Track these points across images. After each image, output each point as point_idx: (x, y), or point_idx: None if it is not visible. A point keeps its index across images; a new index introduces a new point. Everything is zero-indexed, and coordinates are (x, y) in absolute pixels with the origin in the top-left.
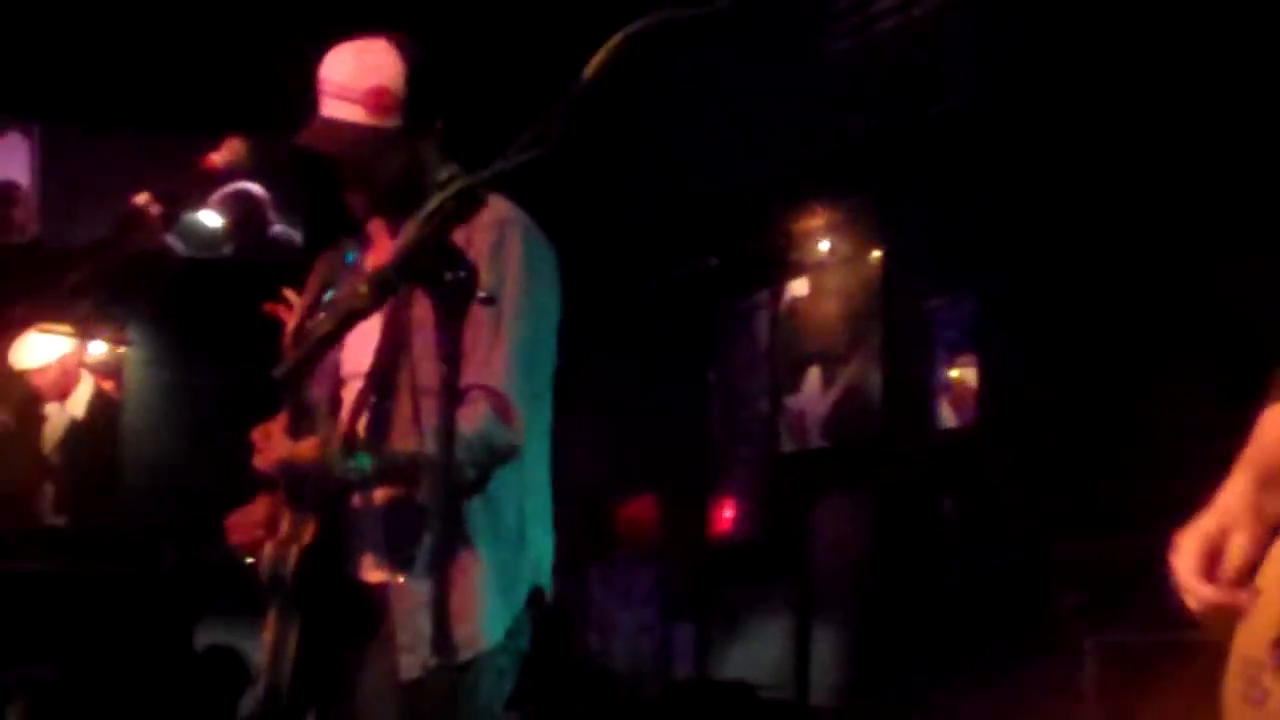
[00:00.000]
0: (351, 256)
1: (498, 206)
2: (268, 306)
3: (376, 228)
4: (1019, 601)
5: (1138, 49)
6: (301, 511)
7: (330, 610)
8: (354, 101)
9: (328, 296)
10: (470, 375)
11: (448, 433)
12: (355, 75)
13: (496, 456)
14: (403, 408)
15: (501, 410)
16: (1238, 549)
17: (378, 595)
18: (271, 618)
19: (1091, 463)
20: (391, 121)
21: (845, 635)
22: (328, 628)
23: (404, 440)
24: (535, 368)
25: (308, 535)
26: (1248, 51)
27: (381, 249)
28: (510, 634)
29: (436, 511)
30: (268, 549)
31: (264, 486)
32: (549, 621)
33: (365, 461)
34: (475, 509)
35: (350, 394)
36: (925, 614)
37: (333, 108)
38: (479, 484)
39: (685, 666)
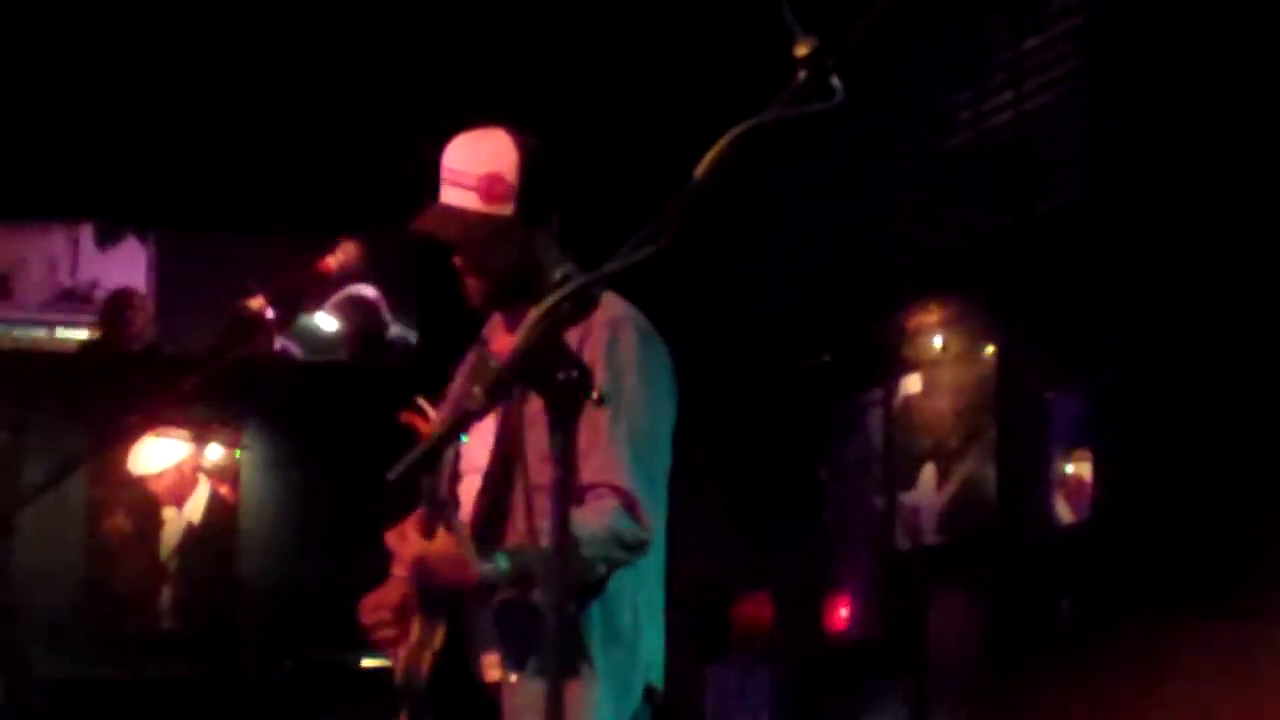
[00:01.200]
0: (495, 366)
1: (612, 305)
2: (404, 416)
3: (494, 326)
4: (1133, 698)
5: (1250, 140)
6: (433, 616)
7: (459, 713)
8: (468, 188)
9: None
10: (590, 474)
11: (563, 533)
12: (469, 162)
13: (628, 552)
14: (517, 505)
15: (629, 506)
16: None
17: (496, 695)
18: None
19: (1209, 559)
20: (505, 209)
21: None
22: None
23: (517, 538)
24: (653, 465)
25: (439, 640)
26: None
27: (500, 346)
28: None
29: (554, 610)
30: (401, 655)
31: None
32: None
33: (503, 562)
34: (592, 609)
35: (467, 491)
36: (1040, 712)
37: (448, 194)
38: (604, 581)
39: None
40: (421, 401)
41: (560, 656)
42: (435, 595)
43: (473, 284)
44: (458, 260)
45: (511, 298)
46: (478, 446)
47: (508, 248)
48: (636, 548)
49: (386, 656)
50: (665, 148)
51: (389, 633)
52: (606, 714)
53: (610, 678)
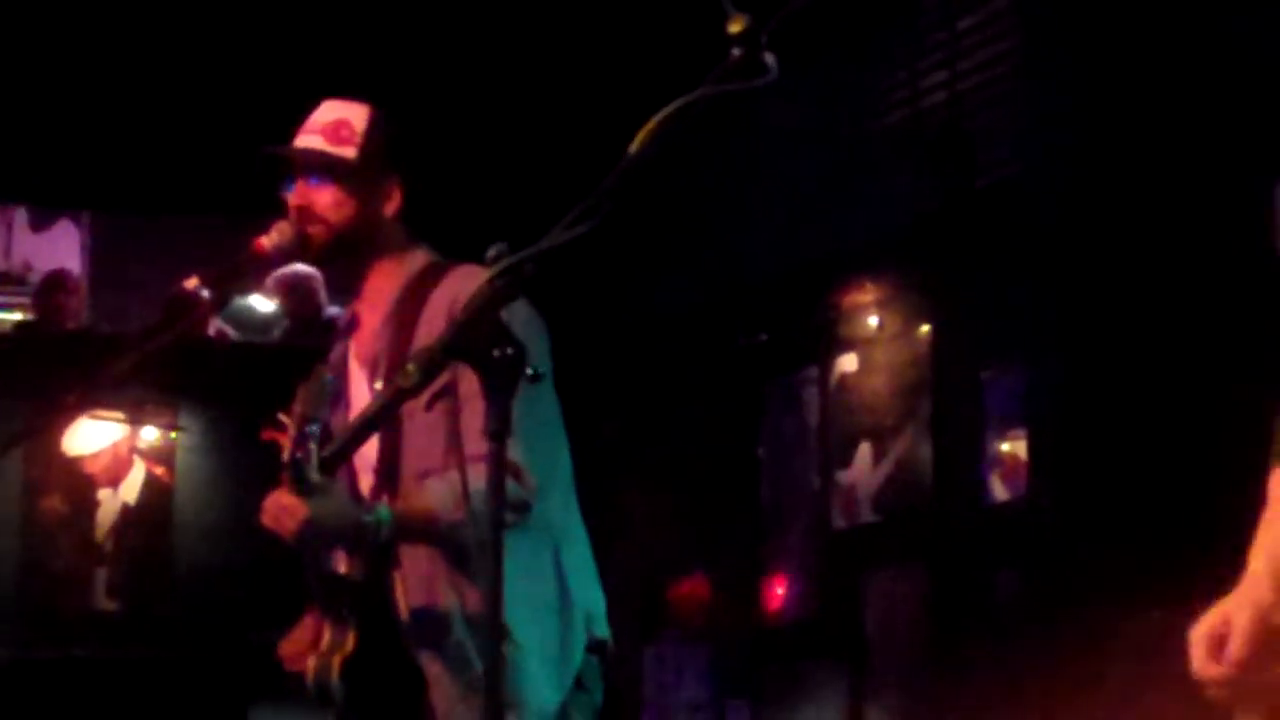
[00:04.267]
0: (330, 381)
1: (466, 273)
2: (265, 434)
3: (360, 314)
4: (1073, 675)
5: (1186, 118)
6: (341, 621)
7: (386, 715)
8: (314, 132)
9: (312, 428)
10: (473, 446)
11: (497, 507)
12: (321, 113)
13: (512, 512)
14: (406, 486)
15: (511, 470)
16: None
17: (425, 695)
18: None
19: (1143, 536)
20: (348, 152)
21: (899, 711)
22: None
23: None
24: (539, 426)
25: (349, 644)
26: None
27: (366, 333)
28: (574, 691)
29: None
30: (311, 661)
31: (307, 600)
32: (604, 703)
33: (384, 513)
34: (508, 581)
35: (365, 487)
36: (978, 688)
37: (297, 141)
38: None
39: None
40: (281, 416)
41: (495, 633)
42: (338, 599)
43: (309, 232)
44: (295, 203)
45: (344, 254)
46: (366, 445)
47: (347, 199)
48: (519, 507)
49: (290, 663)
50: (598, 128)
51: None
52: (542, 684)
53: (540, 650)
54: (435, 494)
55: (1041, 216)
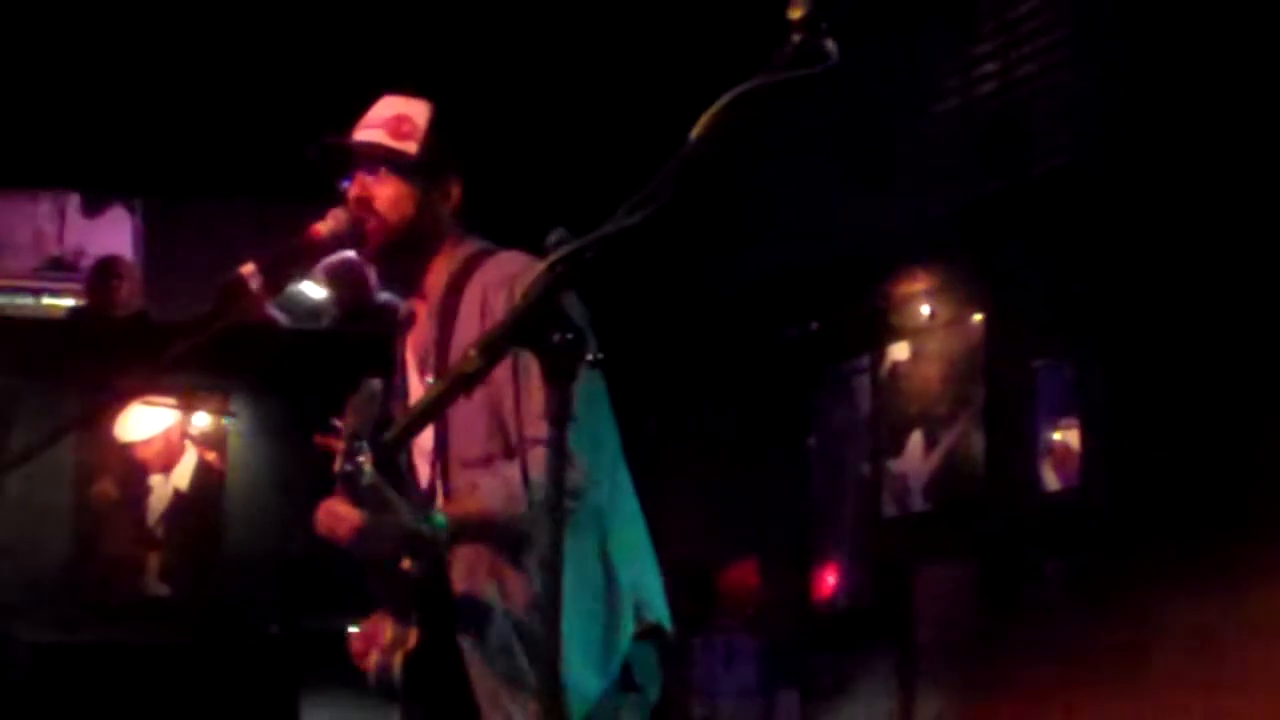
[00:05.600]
0: (378, 393)
1: (514, 260)
2: (318, 439)
3: (417, 309)
4: (1121, 663)
5: (1240, 105)
6: (404, 617)
7: (447, 706)
8: (376, 126)
9: (359, 444)
10: (531, 429)
11: (556, 497)
12: (382, 109)
13: (571, 499)
14: (455, 480)
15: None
16: None
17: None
18: (400, 716)
19: (1194, 526)
20: (409, 147)
21: (950, 700)
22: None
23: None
24: (588, 412)
25: (412, 640)
26: None
27: (420, 327)
28: (624, 684)
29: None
30: (373, 657)
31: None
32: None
33: (440, 520)
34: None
35: (423, 475)
36: (1028, 678)
37: (357, 135)
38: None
39: None
40: (335, 421)
41: (554, 611)
42: (400, 596)
43: (368, 227)
44: (355, 195)
45: (403, 251)
46: (423, 435)
47: (406, 193)
48: (577, 494)
49: (359, 660)
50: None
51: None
52: (584, 670)
53: (582, 635)
54: (489, 493)
55: (1094, 205)
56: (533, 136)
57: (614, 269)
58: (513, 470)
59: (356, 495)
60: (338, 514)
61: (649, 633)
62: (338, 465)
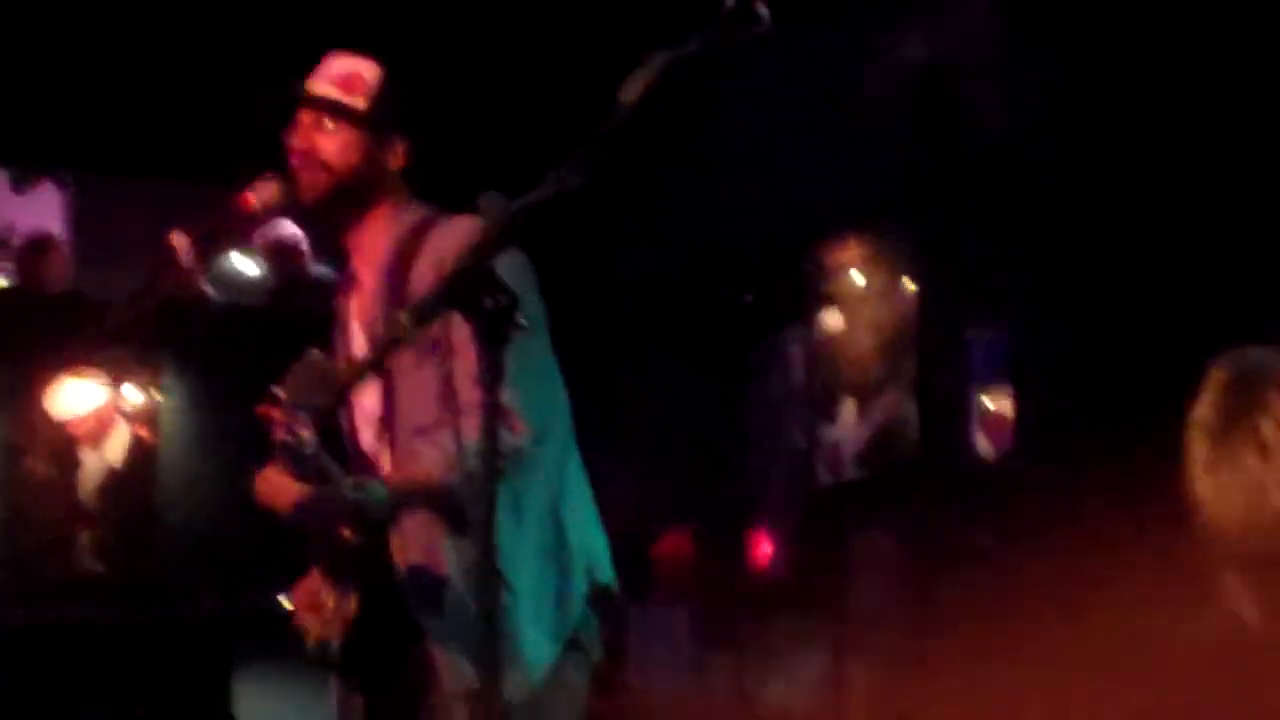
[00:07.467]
0: (321, 362)
1: (469, 225)
2: (259, 408)
3: (359, 271)
4: (1053, 625)
5: (1169, 77)
6: (343, 586)
7: (389, 675)
8: (327, 81)
9: (299, 414)
10: (466, 395)
11: (490, 459)
12: (332, 65)
13: (505, 459)
14: (401, 448)
15: (504, 417)
16: None
17: (426, 653)
18: (335, 686)
19: (1126, 489)
20: (359, 102)
21: (881, 665)
22: (390, 691)
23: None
24: (533, 373)
25: (351, 609)
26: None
27: (365, 291)
28: (572, 646)
29: (480, 535)
30: (312, 624)
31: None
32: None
33: (378, 491)
34: (504, 529)
35: (367, 441)
36: (960, 642)
37: (308, 87)
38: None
39: (722, 698)
40: (275, 390)
41: (490, 582)
42: (340, 566)
43: (310, 178)
44: (299, 147)
45: (344, 202)
46: (369, 401)
47: (351, 141)
48: (513, 455)
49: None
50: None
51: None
52: (537, 633)
53: (536, 598)
54: (427, 461)
55: (1026, 174)
56: (465, 102)
57: (548, 238)
58: (457, 435)
59: (296, 465)
60: (277, 485)
61: (597, 595)
62: (277, 435)
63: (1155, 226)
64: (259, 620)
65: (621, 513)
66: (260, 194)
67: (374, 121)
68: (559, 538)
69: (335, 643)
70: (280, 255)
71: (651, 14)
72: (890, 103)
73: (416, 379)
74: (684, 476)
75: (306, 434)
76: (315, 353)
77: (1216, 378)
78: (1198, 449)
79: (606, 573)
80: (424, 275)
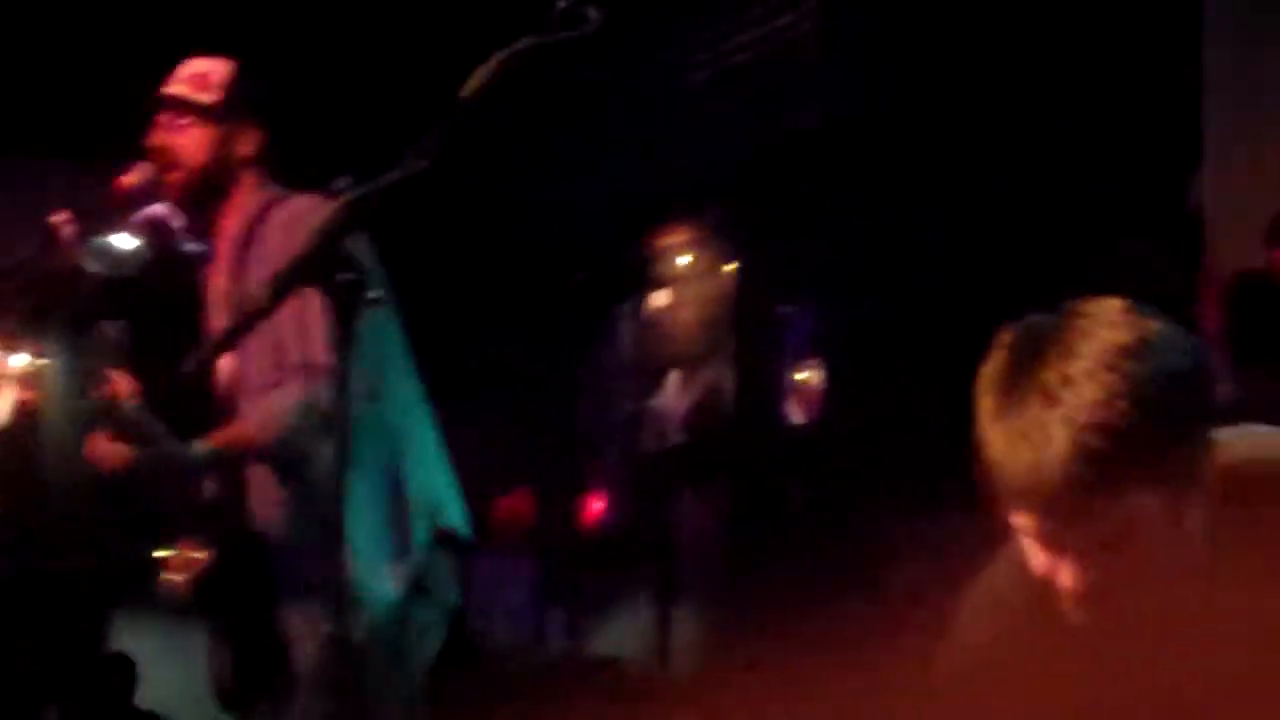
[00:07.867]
0: (113, 332)
1: (304, 203)
2: (98, 389)
3: (219, 252)
4: (857, 576)
5: (985, 70)
6: (198, 541)
7: (253, 623)
8: (180, 82)
9: (100, 380)
10: (294, 356)
11: (343, 433)
12: (186, 66)
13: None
14: (241, 409)
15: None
16: None
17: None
18: (207, 635)
19: (922, 455)
20: (207, 97)
21: (703, 615)
22: (255, 638)
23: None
24: (369, 339)
25: (205, 562)
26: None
27: (220, 268)
28: (416, 590)
29: (330, 495)
30: (176, 575)
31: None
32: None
33: (199, 449)
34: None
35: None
36: (774, 595)
37: (162, 90)
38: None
39: (558, 646)
40: (111, 372)
41: (331, 531)
42: (194, 519)
43: (168, 176)
44: (155, 145)
45: (201, 196)
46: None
47: (202, 137)
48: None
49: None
50: (437, 74)
51: None
52: (376, 576)
53: (371, 542)
54: (249, 420)
55: (836, 165)
56: (321, 94)
57: (402, 214)
58: (277, 396)
59: (118, 428)
60: (104, 448)
61: (444, 539)
62: (94, 396)
63: (949, 212)
64: (136, 570)
65: (465, 473)
66: (136, 177)
67: (223, 115)
68: (394, 487)
69: (191, 596)
70: (154, 232)
71: (502, 13)
72: (716, 97)
73: (253, 346)
74: (524, 441)
75: (118, 396)
76: (106, 326)
77: (1004, 338)
78: (986, 400)
79: (453, 517)
80: (263, 250)
